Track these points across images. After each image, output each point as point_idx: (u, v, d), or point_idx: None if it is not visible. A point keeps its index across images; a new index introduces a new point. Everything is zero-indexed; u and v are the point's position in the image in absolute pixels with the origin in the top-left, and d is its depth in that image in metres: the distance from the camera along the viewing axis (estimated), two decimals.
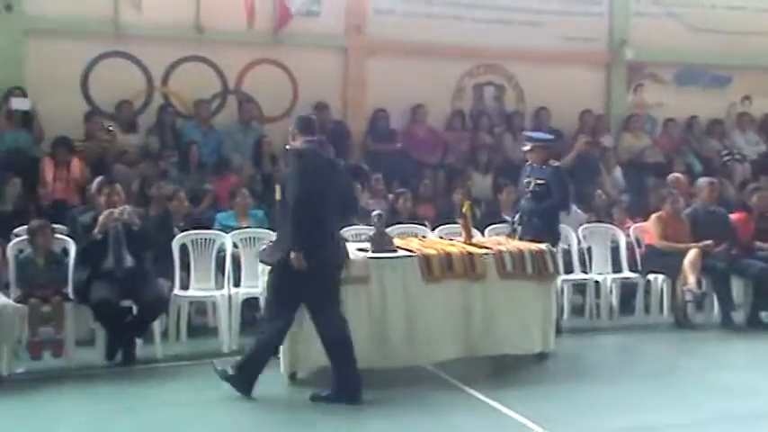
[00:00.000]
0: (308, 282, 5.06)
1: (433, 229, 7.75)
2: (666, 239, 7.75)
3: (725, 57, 11.08)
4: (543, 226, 6.91)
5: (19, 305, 5.91)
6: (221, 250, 6.92)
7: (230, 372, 5.29)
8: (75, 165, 7.96)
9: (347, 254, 5.48)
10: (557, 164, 7.27)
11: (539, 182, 7.00)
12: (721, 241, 7.69)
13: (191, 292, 6.75)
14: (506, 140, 10.03)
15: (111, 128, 8.48)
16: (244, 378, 5.25)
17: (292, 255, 5.00)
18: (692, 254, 7.40)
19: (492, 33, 10.14)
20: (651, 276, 7.78)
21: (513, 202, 7.62)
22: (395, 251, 5.93)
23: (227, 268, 6.81)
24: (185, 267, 6.81)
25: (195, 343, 6.65)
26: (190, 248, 6.80)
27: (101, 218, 6.11)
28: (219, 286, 6.81)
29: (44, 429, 4.83)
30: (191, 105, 9.13)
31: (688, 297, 7.36)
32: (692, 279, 7.26)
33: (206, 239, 6.91)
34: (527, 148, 7.23)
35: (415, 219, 8.06)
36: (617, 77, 10.90)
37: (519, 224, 7.03)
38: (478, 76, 10.43)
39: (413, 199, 8.39)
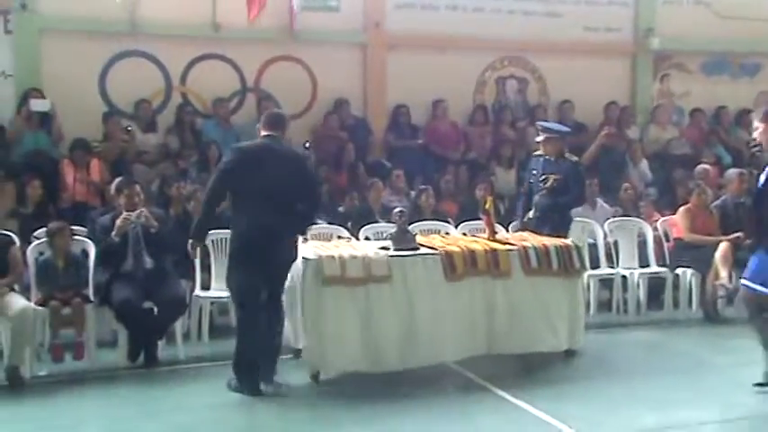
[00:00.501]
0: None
1: (456, 226, 7.64)
2: (695, 232, 7.59)
3: (753, 44, 10.86)
4: (561, 221, 6.79)
5: (39, 308, 5.90)
6: None
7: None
8: (95, 166, 7.95)
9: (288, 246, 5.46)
10: (575, 158, 7.10)
11: (556, 177, 6.82)
12: None
13: (211, 293, 6.70)
14: (530, 134, 9.80)
15: (129, 128, 8.47)
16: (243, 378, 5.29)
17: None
18: (722, 248, 7.21)
19: (514, 25, 10.02)
20: (680, 271, 7.63)
21: (523, 195, 7.32)
22: (417, 249, 5.84)
23: None
24: (206, 268, 6.76)
25: (218, 344, 6.59)
26: (210, 248, 6.74)
27: (118, 221, 6.07)
28: None
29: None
30: (209, 104, 9.10)
31: (721, 292, 7.18)
32: (724, 274, 7.07)
33: (226, 239, 6.84)
34: (540, 138, 7.04)
35: (437, 215, 7.95)
36: (643, 68, 10.71)
37: (535, 219, 6.85)
38: (501, 69, 10.29)
39: (435, 195, 8.28)
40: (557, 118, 10.11)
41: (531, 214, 6.94)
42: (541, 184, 6.89)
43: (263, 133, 5.52)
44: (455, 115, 9.81)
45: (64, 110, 8.24)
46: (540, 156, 7.03)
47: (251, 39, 9.15)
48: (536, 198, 6.96)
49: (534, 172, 7.02)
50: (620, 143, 9.59)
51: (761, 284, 5.12)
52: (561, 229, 6.64)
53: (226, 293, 6.63)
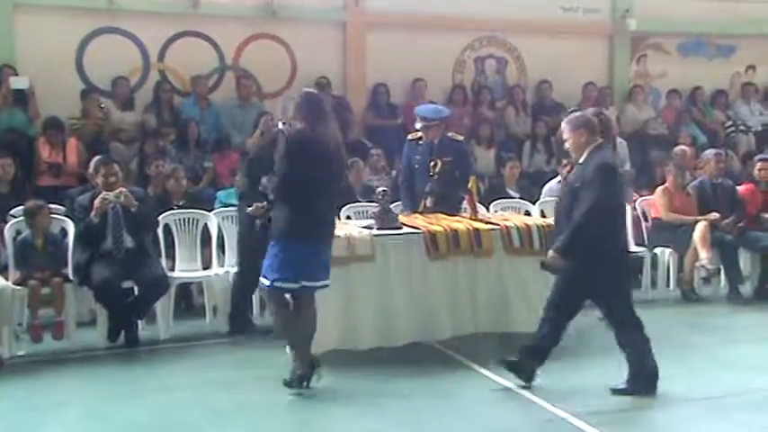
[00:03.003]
0: None
1: None
2: (673, 212, 7.66)
3: (729, 26, 10.94)
4: (455, 205, 6.62)
5: (18, 287, 5.83)
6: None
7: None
8: (71, 145, 7.82)
9: None
10: (459, 138, 6.88)
11: (445, 160, 6.60)
12: (729, 214, 7.62)
13: (177, 273, 6.61)
14: (509, 114, 9.91)
15: (102, 105, 8.33)
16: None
17: None
18: (701, 228, 7.31)
19: (493, 5, 9.99)
20: (658, 250, 7.70)
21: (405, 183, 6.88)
22: (400, 228, 5.84)
23: (212, 248, 6.71)
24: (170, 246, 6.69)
25: (197, 324, 6.57)
26: (173, 228, 6.68)
27: (96, 202, 5.98)
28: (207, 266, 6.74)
29: (46, 412, 4.75)
30: (188, 82, 8.98)
31: (702, 273, 7.29)
32: (704, 254, 7.17)
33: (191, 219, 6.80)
34: (419, 125, 6.73)
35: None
36: (620, 49, 10.76)
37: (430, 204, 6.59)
38: (480, 49, 10.28)
39: None
40: (535, 98, 10.19)
41: (428, 203, 6.59)
42: (432, 170, 6.60)
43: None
44: (434, 95, 9.75)
45: (40, 87, 8.09)
46: (418, 142, 6.72)
47: (230, 16, 9.05)
48: (429, 185, 6.61)
49: (418, 158, 6.70)
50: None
51: None
52: (456, 211, 6.51)
53: (191, 274, 6.61)
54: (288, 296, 5.00)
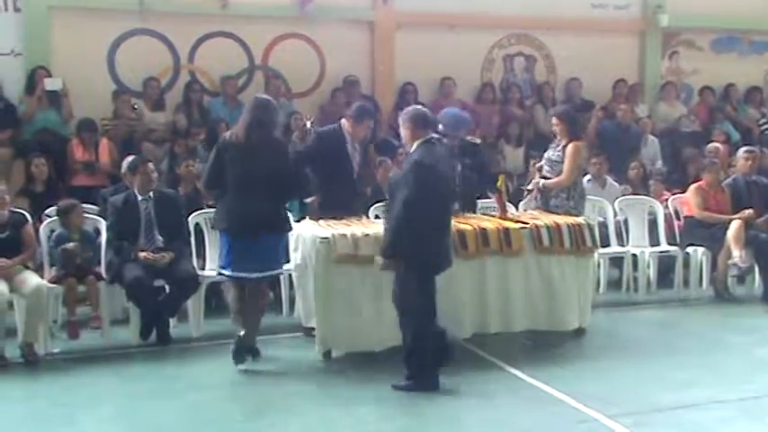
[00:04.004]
0: None
1: None
2: (707, 211, 7.55)
3: (763, 22, 10.76)
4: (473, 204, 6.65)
5: (53, 285, 5.91)
6: None
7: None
8: (104, 146, 7.92)
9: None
10: (477, 141, 6.98)
11: (464, 163, 6.54)
12: (763, 211, 7.49)
13: (207, 272, 6.60)
14: (538, 112, 9.84)
15: (135, 106, 8.44)
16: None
17: None
18: (735, 226, 7.19)
19: (522, 2, 9.93)
20: (690, 249, 7.60)
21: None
22: None
23: None
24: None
25: (227, 322, 6.60)
26: (204, 227, 6.71)
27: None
28: None
29: (80, 409, 4.81)
30: (217, 82, 9.05)
31: (734, 271, 7.17)
32: (737, 253, 7.05)
33: None
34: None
35: None
36: (651, 45, 10.62)
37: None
38: (508, 47, 10.23)
39: None
40: (564, 95, 10.10)
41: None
42: None
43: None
44: (462, 93, 9.75)
45: (73, 88, 8.20)
46: None
47: (259, 16, 9.09)
48: None
49: None
50: (632, 121, 9.55)
51: None
52: None
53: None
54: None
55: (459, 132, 6.68)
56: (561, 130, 6.68)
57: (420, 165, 4.85)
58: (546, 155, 6.85)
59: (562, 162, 6.60)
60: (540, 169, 6.70)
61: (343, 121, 6.56)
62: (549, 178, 6.65)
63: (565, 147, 6.61)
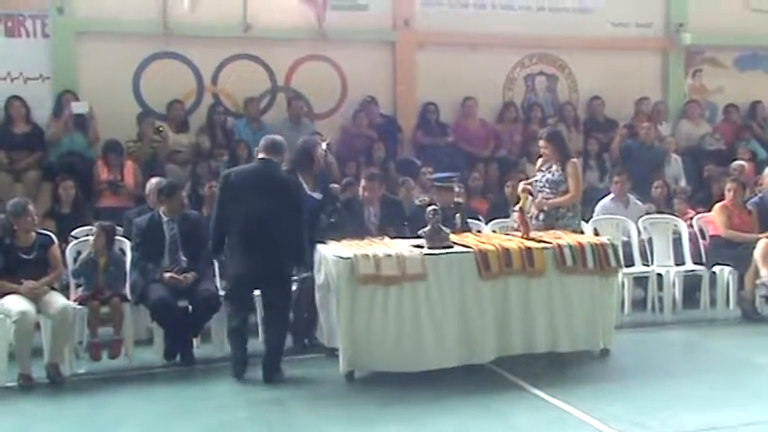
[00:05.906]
0: None
1: (486, 223, 7.61)
2: (733, 230, 7.47)
3: None
4: None
5: (79, 306, 5.97)
6: None
7: None
8: (128, 167, 8.02)
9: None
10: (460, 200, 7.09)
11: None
12: None
13: None
14: None
15: (161, 128, 8.55)
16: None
17: None
18: (763, 245, 7.10)
19: (542, 21, 9.97)
20: (716, 268, 7.51)
21: None
22: (451, 247, 5.82)
23: None
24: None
25: (251, 342, 6.60)
26: None
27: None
28: None
29: (105, 430, 4.85)
30: (240, 104, 9.14)
31: (762, 291, 7.07)
32: (765, 272, 6.96)
33: None
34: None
35: (468, 213, 7.90)
36: (674, 63, 10.57)
37: None
38: (530, 66, 10.23)
39: (465, 193, 8.23)
40: (587, 114, 10.09)
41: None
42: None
43: (259, 156, 5.80)
44: (484, 113, 9.78)
45: (99, 111, 8.33)
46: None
47: (281, 39, 9.19)
48: None
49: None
50: (652, 139, 9.50)
51: None
52: None
53: None
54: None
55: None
56: (551, 152, 6.72)
57: (221, 177, 5.71)
58: (541, 177, 6.80)
59: (564, 181, 6.62)
60: (529, 192, 6.61)
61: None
62: (550, 199, 6.64)
63: (562, 167, 6.62)
